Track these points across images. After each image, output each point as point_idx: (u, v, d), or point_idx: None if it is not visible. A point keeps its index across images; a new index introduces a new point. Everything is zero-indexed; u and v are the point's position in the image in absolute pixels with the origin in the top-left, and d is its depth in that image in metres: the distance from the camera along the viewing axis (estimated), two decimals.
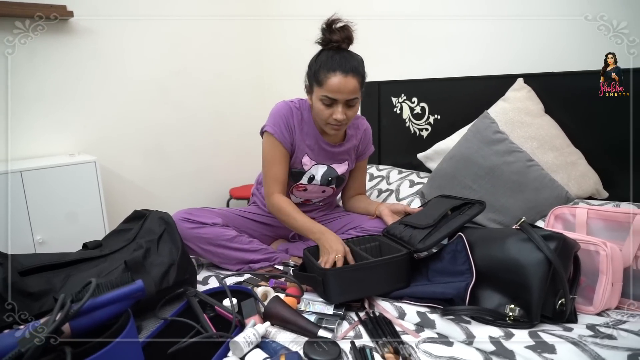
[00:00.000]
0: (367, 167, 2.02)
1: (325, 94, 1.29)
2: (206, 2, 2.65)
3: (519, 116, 1.51)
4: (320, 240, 1.26)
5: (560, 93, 1.52)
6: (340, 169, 1.53)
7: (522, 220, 1.07)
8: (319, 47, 1.35)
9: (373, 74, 2.14)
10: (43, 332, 0.66)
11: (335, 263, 1.16)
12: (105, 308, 0.79)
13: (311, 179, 1.50)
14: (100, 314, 0.79)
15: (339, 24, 1.30)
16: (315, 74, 1.32)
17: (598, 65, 1.36)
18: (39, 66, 2.10)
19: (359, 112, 2.14)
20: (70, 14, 2.08)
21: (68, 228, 1.97)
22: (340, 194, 1.73)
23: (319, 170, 1.50)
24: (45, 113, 2.16)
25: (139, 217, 1.32)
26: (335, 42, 1.30)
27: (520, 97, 1.54)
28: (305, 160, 1.47)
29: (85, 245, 1.23)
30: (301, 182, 1.51)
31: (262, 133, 1.46)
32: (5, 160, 2.05)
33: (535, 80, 1.56)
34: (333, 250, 1.19)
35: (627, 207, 1.29)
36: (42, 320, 0.71)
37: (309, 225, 1.32)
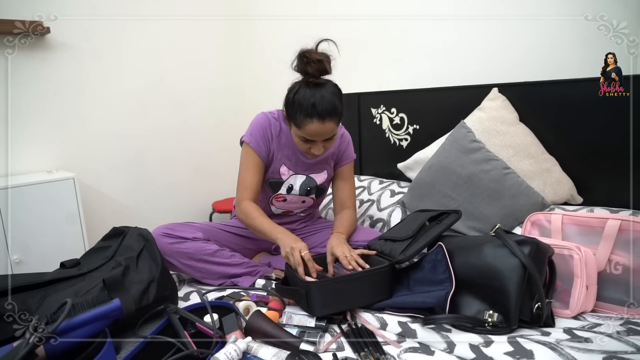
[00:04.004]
0: None
1: (303, 135, 1.32)
2: (185, 14, 2.65)
3: (494, 125, 1.55)
4: (280, 240, 1.28)
5: (534, 102, 1.56)
6: (319, 178, 1.53)
7: (497, 226, 1.09)
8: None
9: (352, 86, 2.18)
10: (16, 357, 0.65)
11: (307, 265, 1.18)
12: (82, 328, 0.78)
13: (290, 188, 1.51)
14: (76, 334, 0.77)
15: (315, 57, 1.28)
16: (292, 116, 1.32)
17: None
18: (14, 82, 2.07)
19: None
20: (47, 30, 2.06)
21: (47, 247, 1.93)
22: (320, 205, 1.73)
23: (298, 180, 1.51)
24: (21, 130, 2.12)
25: (117, 234, 1.30)
26: (311, 76, 1.29)
27: (495, 106, 1.58)
28: (283, 170, 1.48)
29: (62, 264, 1.21)
30: (280, 192, 1.51)
31: (241, 143, 1.48)
32: None
33: (509, 90, 1.59)
34: (295, 247, 1.22)
35: (600, 211, 1.32)
36: (15, 344, 0.70)
37: (270, 227, 1.34)
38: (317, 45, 1.31)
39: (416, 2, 1.93)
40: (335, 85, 1.34)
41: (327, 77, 1.34)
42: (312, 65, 1.28)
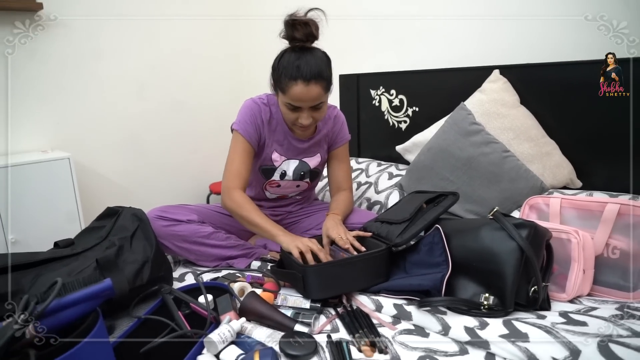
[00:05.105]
0: None
1: (289, 101, 1.27)
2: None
3: (495, 107, 1.52)
4: (281, 237, 1.23)
5: (535, 84, 1.53)
6: (313, 162, 1.51)
7: (495, 209, 1.07)
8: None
9: (351, 67, 2.14)
10: (3, 338, 0.64)
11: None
12: (73, 308, 0.77)
13: (283, 174, 1.48)
14: (67, 314, 0.76)
15: (301, 20, 1.24)
16: (278, 81, 1.28)
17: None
18: (9, 62, 2.04)
19: (337, 104, 2.14)
20: (40, 6, 2.02)
21: (42, 227, 1.92)
22: (315, 187, 1.71)
23: (290, 166, 1.48)
24: (16, 110, 2.09)
25: (111, 214, 1.29)
26: (298, 41, 1.26)
27: (496, 88, 1.55)
28: (275, 156, 1.45)
29: (56, 244, 1.20)
30: (273, 178, 1.49)
31: (232, 131, 1.44)
32: None
33: (510, 72, 1.57)
34: (306, 245, 1.17)
35: (599, 196, 1.31)
36: (3, 324, 0.69)
37: (268, 225, 1.27)
38: (306, 13, 1.26)
39: None
40: (324, 52, 1.30)
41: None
42: (299, 29, 1.24)
